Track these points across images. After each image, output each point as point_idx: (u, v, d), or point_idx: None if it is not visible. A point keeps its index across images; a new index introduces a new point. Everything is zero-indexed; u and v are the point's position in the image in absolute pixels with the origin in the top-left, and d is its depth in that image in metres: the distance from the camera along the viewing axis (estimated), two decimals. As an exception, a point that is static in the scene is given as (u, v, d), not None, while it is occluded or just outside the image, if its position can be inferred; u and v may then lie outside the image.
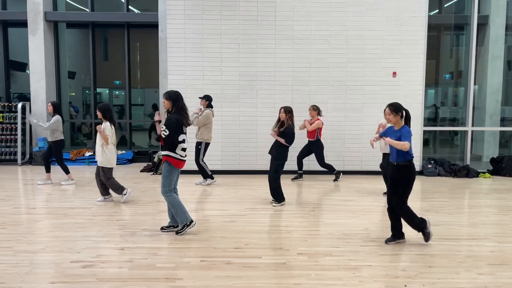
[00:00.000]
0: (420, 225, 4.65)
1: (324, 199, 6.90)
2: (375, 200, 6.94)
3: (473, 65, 9.97)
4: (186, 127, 4.95)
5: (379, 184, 8.01)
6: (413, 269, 4.02)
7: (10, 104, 10.90)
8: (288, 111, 6.38)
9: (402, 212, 4.62)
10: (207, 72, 9.26)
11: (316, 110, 8.36)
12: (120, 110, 12.71)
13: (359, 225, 5.47)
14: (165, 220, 5.17)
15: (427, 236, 4.67)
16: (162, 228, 5.11)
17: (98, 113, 6.55)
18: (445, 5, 11.62)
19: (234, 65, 9.26)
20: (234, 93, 9.28)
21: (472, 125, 10.17)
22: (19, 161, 10.61)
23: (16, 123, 10.66)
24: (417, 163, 9.28)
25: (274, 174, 6.37)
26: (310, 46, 9.25)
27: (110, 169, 6.57)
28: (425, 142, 10.71)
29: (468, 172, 9.23)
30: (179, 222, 5.00)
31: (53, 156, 8.08)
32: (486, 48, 10.91)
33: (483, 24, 10.73)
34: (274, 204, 6.43)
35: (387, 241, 4.73)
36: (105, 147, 6.45)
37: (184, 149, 4.93)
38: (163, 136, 4.81)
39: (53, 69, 11.52)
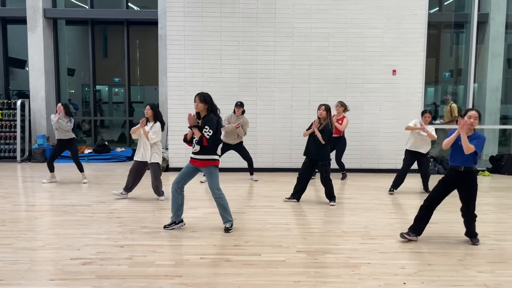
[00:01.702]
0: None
1: (323, 196, 6.87)
2: (374, 198, 6.95)
3: (473, 63, 9.96)
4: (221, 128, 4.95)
5: (378, 182, 8.03)
6: (412, 266, 4.02)
7: (9, 101, 10.87)
8: (328, 109, 6.33)
9: (471, 217, 4.66)
10: (206, 69, 9.25)
11: (343, 106, 8.16)
12: (119, 107, 12.69)
13: (358, 222, 5.48)
14: (165, 218, 5.17)
15: (474, 241, 4.71)
16: (165, 227, 5.06)
17: (150, 111, 6.30)
18: (445, 3, 11.60)
19: (234, 62, 9.24)
20: (234, 91, 9.26)
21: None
22: (18, 158, 10.60)
23: (15, 120, 10.64)
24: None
25: (325, 174, 6.35)
26: (310, 44, 9.24)
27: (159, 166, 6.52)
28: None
29: (467, 170, 9.22)
30: (226, 220, 5.04)
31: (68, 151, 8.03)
32: (486, 46, 10.89)
33: (483, 22, 10.71)
34: (331, 204, 6.37)
35: (404, 234, 4.74)
36: (155, 145, 6.34)
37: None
38: (208, 136, 4.69)
39: (53, 66, 11.49)
